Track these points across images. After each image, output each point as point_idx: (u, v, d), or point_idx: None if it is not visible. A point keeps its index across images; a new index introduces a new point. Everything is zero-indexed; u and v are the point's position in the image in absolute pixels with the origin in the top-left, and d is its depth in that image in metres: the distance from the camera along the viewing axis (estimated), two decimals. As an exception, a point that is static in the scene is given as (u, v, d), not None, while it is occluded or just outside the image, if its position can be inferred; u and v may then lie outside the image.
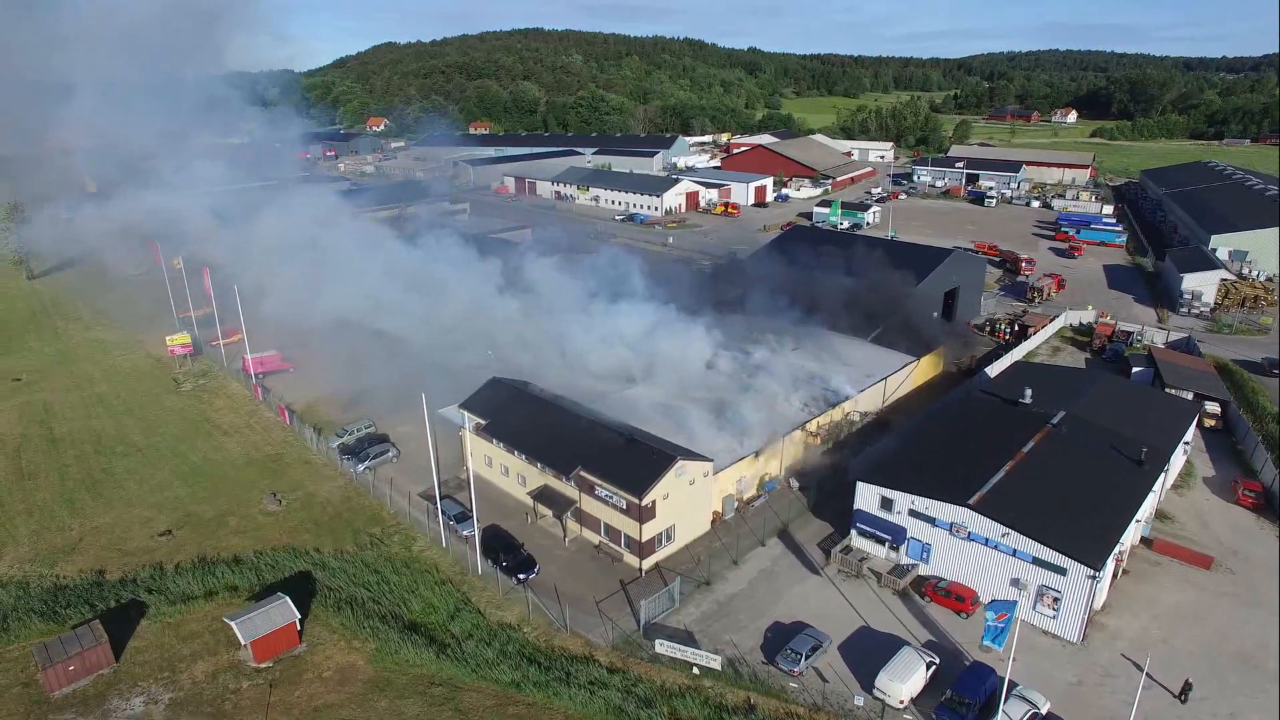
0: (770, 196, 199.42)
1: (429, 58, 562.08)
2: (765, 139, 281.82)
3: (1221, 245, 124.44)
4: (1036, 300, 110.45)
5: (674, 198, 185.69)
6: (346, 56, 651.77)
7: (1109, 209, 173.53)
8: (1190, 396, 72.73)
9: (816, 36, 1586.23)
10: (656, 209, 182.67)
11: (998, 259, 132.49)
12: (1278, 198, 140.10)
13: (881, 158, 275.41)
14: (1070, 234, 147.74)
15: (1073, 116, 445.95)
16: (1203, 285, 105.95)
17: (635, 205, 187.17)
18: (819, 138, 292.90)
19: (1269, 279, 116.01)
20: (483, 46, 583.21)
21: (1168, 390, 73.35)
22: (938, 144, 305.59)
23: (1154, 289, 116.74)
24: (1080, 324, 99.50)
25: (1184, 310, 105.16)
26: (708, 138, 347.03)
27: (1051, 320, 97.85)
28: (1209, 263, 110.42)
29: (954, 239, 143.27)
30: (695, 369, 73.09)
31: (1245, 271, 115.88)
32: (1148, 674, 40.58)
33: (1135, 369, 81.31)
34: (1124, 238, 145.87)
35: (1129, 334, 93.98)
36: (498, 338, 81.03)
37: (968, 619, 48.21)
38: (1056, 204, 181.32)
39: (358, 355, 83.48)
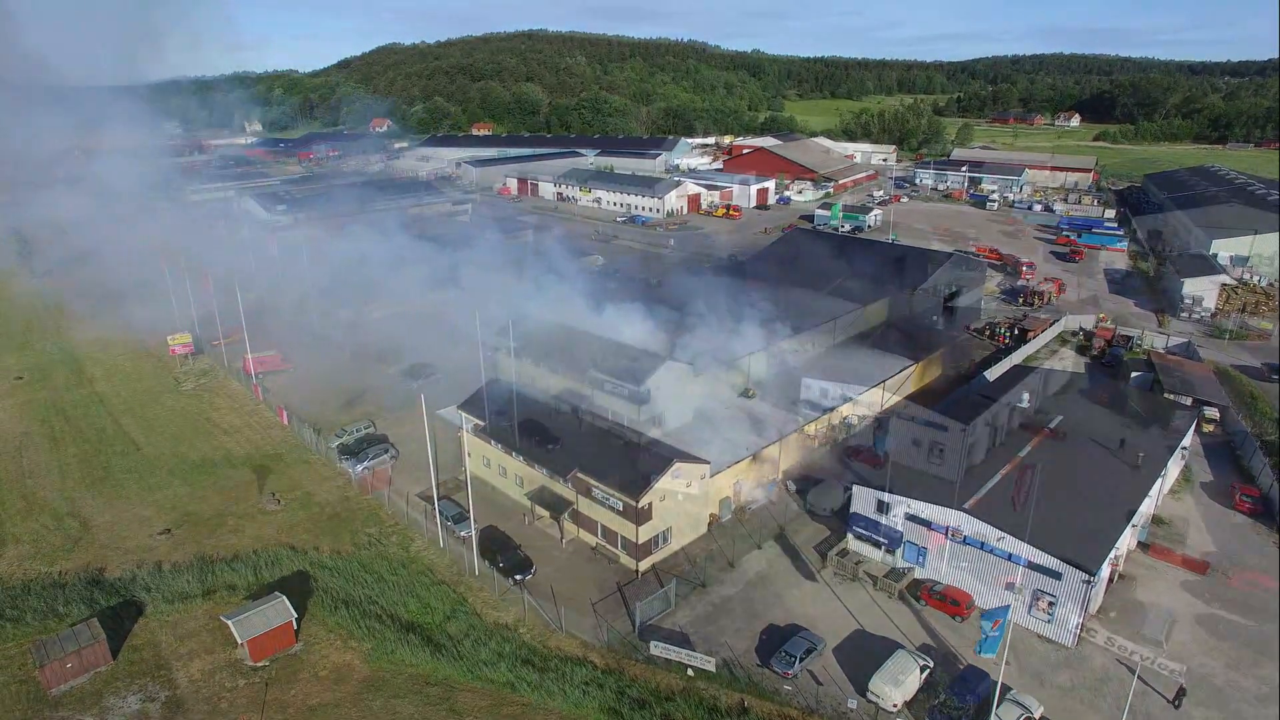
0: (772, 199, 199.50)
1: (431, 59, 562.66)
2: (767, 141, 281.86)
3: (1222, 250, 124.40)
4: (1036, 304, 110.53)
5: (675, 199, 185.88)
6: (350, 57, 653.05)
7: (1111, 213, 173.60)
8: (1189, 402, 72.77)
9: (821, 39, 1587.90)
10: (658, 210, 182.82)
11: (998, 263, 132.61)
12: (1278, 203, 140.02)
13: (884, 160, 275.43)
14: (1072, 238, 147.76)
15: (1076, 120, 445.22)
16: (1203, 290, 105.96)
17: (636, 207, 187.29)
18: (821, 140, 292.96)
19: (1270, 284, 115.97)
20: (485, 48, 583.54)
21: (1166, 395, 73.36)
22: (940, 147, 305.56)
23: (1154, 293, 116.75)
24: (1080, 329, 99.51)
25: (1184, 315, 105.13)
26: (710, 140, 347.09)
27: (1052, 324, 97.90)
28: (1210, 267, 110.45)
29: (955, 242, 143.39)
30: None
31: (1246, 276, 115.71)
32: (1140, 678, 40.65)
33: (1134, 374, 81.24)
34: (1125, 242, 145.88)
35: (1128, 338, 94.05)
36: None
37: (963, 622, 48.30)
38: (1059, 208, 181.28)
39: (355, 356, 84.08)
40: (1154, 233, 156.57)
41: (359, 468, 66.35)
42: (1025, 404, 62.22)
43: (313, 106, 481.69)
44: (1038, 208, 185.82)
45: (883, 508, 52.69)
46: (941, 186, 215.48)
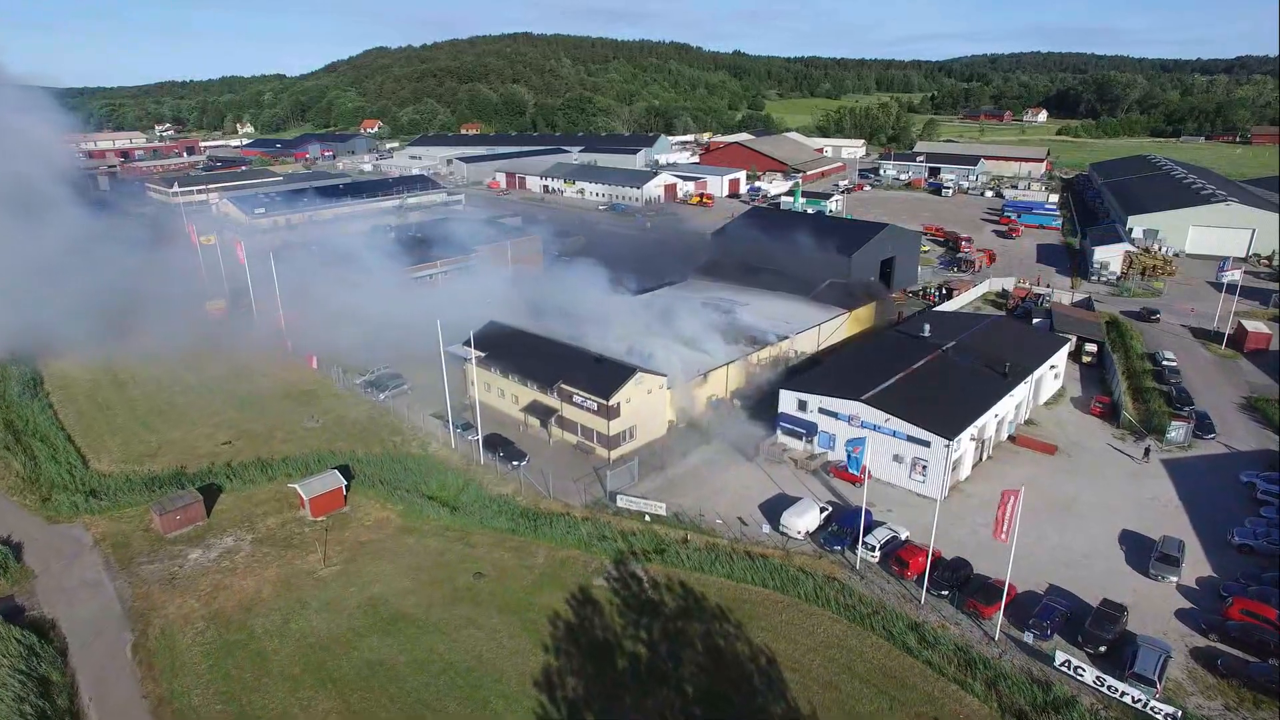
0: (744, 189, 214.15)
1: (419, 61, 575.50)
2: (742, 137, 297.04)
3: (1138, 225, 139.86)
4: (969, 271, 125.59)
5: (654, 190, 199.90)
6: (338, 60, 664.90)
7: (1054, 198, 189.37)
8: (1074, 338, 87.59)
9: (805, 39, 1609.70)
10: (637, 200, 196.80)
11: (942, 239, 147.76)
12: (1194, 184, 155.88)
13: (853, 154, 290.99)
14: (1012, 218, 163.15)
15: (1043, 116, 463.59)
16: (1110, 257, 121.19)
17: (619, 196, 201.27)
18: (793, 135, 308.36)
19: (1176, 254, 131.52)
20: (472, 51, 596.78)
21: (1055, 333, 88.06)
22: (908, 142, 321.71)
23: (1074, 262, 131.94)
24: (1001, 290, 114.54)
25: (1095, 278, 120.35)
26: (689, 137, 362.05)
27: (975, 285, 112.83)
28: (1117, 238, 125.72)
29: (908, 224, 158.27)
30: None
31: (1153, 247, 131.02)
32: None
33: (1035, 320, 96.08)
34: (1059, 221, 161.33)
35: (1040, 296, 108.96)
36: None
37: (859, 487, 61.80)
38: (1008, 194, 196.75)
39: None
40: (1089, 213, 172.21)
41: (381, 396, 79.99)
42: (926, 333, 76.58)
43: (304, 108, 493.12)
44: (989, 194, 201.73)
45: (802, 405, 66.94)
46: (904, 176, 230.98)
